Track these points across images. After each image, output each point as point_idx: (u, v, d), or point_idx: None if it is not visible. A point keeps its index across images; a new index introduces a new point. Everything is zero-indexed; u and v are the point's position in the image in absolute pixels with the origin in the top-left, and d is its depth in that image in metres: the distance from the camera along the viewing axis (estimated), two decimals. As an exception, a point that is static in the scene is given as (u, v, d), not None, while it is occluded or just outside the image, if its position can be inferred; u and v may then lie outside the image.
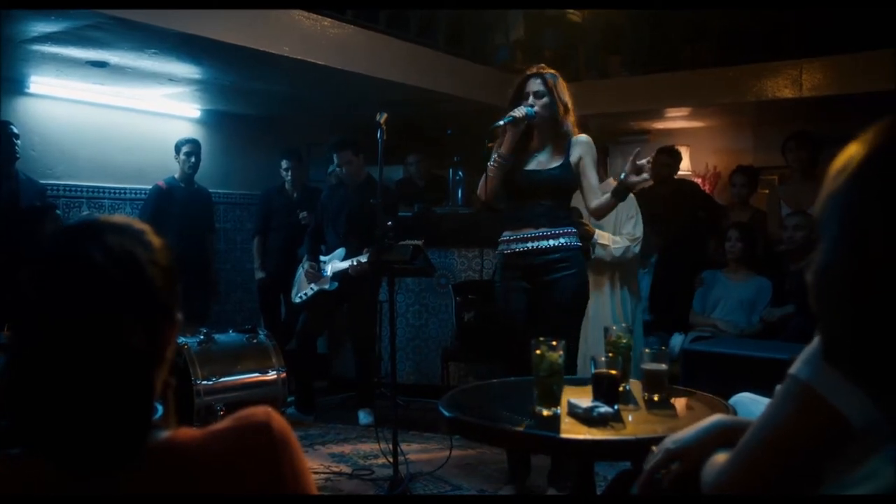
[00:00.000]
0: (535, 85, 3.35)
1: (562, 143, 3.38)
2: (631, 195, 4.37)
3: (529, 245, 3.34)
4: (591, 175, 3.37)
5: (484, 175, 3.38)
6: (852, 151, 0.77)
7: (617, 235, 4.21)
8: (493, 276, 3.67)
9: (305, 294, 5.13)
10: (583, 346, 4.01)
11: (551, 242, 3.32)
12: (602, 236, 4.12)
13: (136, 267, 0.94)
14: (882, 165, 0.74)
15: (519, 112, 3.28)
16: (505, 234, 3.44)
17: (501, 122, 3.28)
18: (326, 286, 5.01)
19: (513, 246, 3.38)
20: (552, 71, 3.41)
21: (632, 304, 4.47)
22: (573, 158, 3.36)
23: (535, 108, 3.31)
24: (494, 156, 3.35)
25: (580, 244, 3.46)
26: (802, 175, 5.22)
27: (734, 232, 4.88)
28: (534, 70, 3.42)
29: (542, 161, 3.39)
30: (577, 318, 3.40)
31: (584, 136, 3.39)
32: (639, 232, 4.27)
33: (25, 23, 3.87)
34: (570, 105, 3.38)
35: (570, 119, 3.38)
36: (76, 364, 0.89)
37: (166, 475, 0.92)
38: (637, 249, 4.29)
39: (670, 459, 1.29)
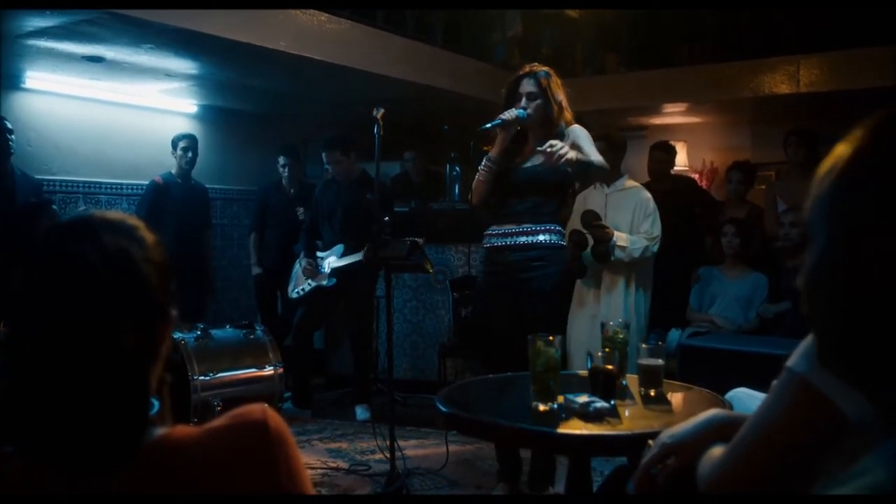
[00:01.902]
0: (528, 86, 3.30)
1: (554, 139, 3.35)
2: (648, 195, 4.36)
3: (509, 241, 3.32)
4: (584, 146, 3.28)
5: (476, 179, 3.36)
6: (838, 152, 0.77)
7: (634, 235, 4.19)
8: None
9: (302, 290, 5.13)
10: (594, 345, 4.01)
11: (530, 239, 3.29)
12: (620, 238, 4.10)
13: (131, 265, 0.93)
14: (867, 166, 0.74)
15: (509, 115, 3.22)
16: (491, 227, 3.42)
17: (490, 126, 3.23)
18: (324, 283, 5.01)
19: (494, 240, 3.37)
20: (545, 69, 3.36)
21: (645, 306, 4.44)
22: None
23: (528, 111, 3.26)
24: (485, 160, 3.31)
25: (562, 243, 3.42)
26: (800, 171, 5.22)
27: (730, 227, 4.87)
28: (526, 69, 3.37)
29: (534, 155, 3.35)
30: (556, 312, 3.39)
31: (575, 126, 3.34)
32: (657, 231, 4.21)
33: (21, 17, 3.86)
34: (564, 103, 3.34)
35: (566, 117, 3.34)
36: (71, 364, 0.89)
37: (162, 473, 0.92)
38: (656, 248, 4.23)
39: (666, 454, 1.29)
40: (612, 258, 4.09)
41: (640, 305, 4.37)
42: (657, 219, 4.26)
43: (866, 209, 0.72)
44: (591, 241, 4.10)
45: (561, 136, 3.33)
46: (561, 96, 3.33)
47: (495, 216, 3.41)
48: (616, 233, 4.07)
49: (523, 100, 3.29)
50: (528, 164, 3.35)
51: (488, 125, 3.23)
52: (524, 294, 3.31)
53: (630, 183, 4.45)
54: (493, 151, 3.30)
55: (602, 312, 4.20)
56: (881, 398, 0.72)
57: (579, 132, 3.34)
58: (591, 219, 4.10)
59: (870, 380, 0.74)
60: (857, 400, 1.00)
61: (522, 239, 3.29)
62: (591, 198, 4.45)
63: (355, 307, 5.09)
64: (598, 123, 5.75)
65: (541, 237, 3.30)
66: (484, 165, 3.32)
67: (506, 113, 3.24)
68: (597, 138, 4.45)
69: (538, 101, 3.28)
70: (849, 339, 0.74)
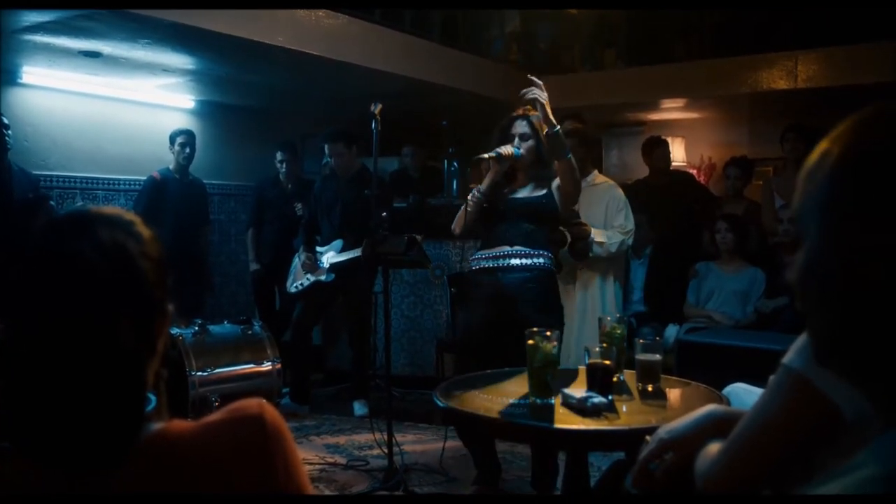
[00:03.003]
0: (521, 127, 3.33)
1: (545, 181, 3.36)
2: (619, 190, 4.39)
3: (500, 262, 3.28)
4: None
5: (462, 209, 3.36)
6: (824, 149, 0.77)
7: (609, 230, 4.23)
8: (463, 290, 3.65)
9: (301, 284, 5.13)
10: (573, 339, 4.03)
11: (524, 261, 3.25)
12: (597, 234, 4.12)
13: (128, 261, 0.93)
14: (856, 162, 0.73)
15: (506, 150, 3.24)
16: (477, 253, 3.40)
17: (486, 156, 3.25)
18: (323, 277, 5.01)
19: (483, 263, 3.33)
20: (537, 113, 3.35)
21: (620, 297, 4.52)
22: (554, 186, 3.35)
23: (521, 151, 3.29)
24: (474, 191, 3.33)
25: (553, 268, 3.40)
26: (797, 167, 5.21)
27: (723, 224, 4.87)
28: (520, 112, 3.39)
29: (524, 188, 3.39)
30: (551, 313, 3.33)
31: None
32: (630, 224, 4.27)
33: (17, 12, 3.85)
34: None
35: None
36: (69, 360, 0.88)
37: (159, 468, 0.92)
38: (630, 241, 4.31)
39: (664, 449, 1.30)
40: (591, 254, 4.11)
41: (619, 297, 4.43)
42: (629, 212, 4.33)
43: (856, 205, 0.72)
44: (568, 239, 4.13)
45: (551, 177, 3.34)
46: None
47: (485, 242, 3.40)
48: (593, 230, 4.10)
49: (516, 140, 3.31)
50: (521, 195, 3.36)
51: (484, 155, 3.26)
52: (517, 317, 3.16)
53: (600, 178, 4.52)
54: (484, 184, 3.33)
55: (579, 308, 4.25)
56: (877, 392, 0.72)
57: None
58: (569, 216, 4.12)
59: (865, 375, 0.74)
60: (853, 396, 1.00)
61: (515, 261, 3.26)
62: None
63: (354, 302, 5.09)
64: (595, 120, 5.76)
65: (535, 260, 3.27)
66: (472, 197, 3.34)
67: (503, 147, 3.26)
68: (568, 134, 4.50)
69: (530, 143, 3.31)
70: (843, 335, 0.74)
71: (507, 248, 3.29)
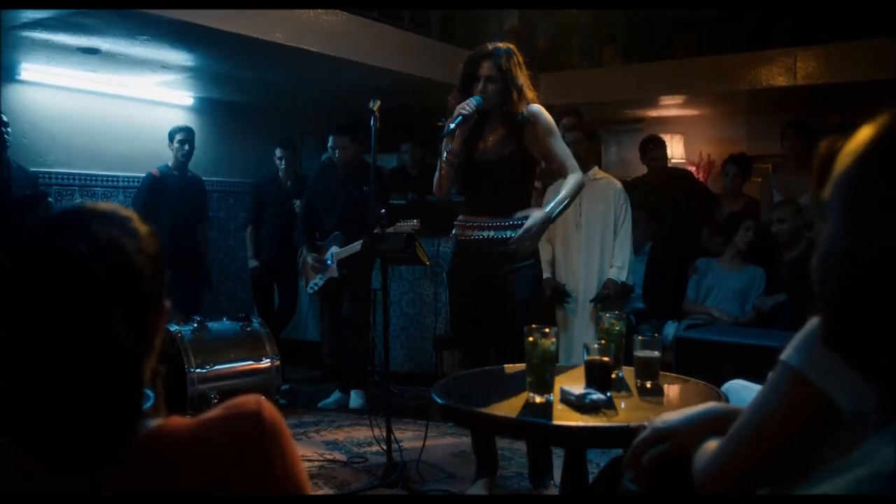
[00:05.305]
0: (487, 69, 3.18)
1: (515, 125, 3.21)
2: (619, 185, 4.44)
3: (485, 234, 3.21)
4: (554, 147, 3.20)
5: (437, 173, 3.27)
6: (862, 135, 0.76)
7: (617, 252, 4.49)
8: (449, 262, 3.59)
9: (316, 284, 5.16)
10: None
11: (507, 233, 3.17)
12: (616, 270, 4.49)
13: (123, 256, 0.92)
14: (887, 149, 0.73)
15: (468, 109, 3.12)
16: (460, 217, 3.34)
17: (452, 126, 3.13)
18: (336, 275, 5.04)
19: (468, 233, 3.26)
20: (506, 46, 3.25)
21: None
22: (527, 139, 3.22)
23: (485, 95, 3.16)
24: (445, 153, 3.23)
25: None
26: (796, 164, 5.23)
27: (752, 223, 4.82)
28: (488, 48, 3.25)
29: (497, 143, 3.25)
30: (536, 310, 3.30)
31: (534, 107, 3.21)
32: (629, 227, 4.48)
33: (15, 9, 3.85)
34: (525, 85, 3.21)
35: (527, 98, 3.21)
36: (64, 357, 0.88)
37: (156, 465, 0.92)
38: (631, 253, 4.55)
39: (658, 439, 1.30)
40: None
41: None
42: (629, 213, 4.53)
43: (881, 193, 0.72)
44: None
45: (520, 121, 3.21)
46: (522, 78, 3.21)
47: (468, 205, 3.34)
48: (612, 270, 4.47)
49: (481, 82, 3.18)
50: (495, 153, 3.25)
51: (452, 126, 3.14)
52: (505, 288, 3.24)
53: (601, 174, 4.59)
54: (455, 144, 3.21)
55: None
56: (880, 384, 0.72)
57: (539, 119, 3.20)
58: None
59: (871, 364, 0.74)
60: (851, 391, 1.00)
61: (499, 233, 3.19)
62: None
63: (356, 294, 5.11)
64: (594, 116, 5.75)
65: (511, 233, 3.20)
66: (445, 159, 3.23)
67: (465, 107, 3.13)
68: (570, 128, 4.55)
69: (497, 86, 3.18)
70: (856, 322, 0.74)
71: (488, 220, 3.22)
